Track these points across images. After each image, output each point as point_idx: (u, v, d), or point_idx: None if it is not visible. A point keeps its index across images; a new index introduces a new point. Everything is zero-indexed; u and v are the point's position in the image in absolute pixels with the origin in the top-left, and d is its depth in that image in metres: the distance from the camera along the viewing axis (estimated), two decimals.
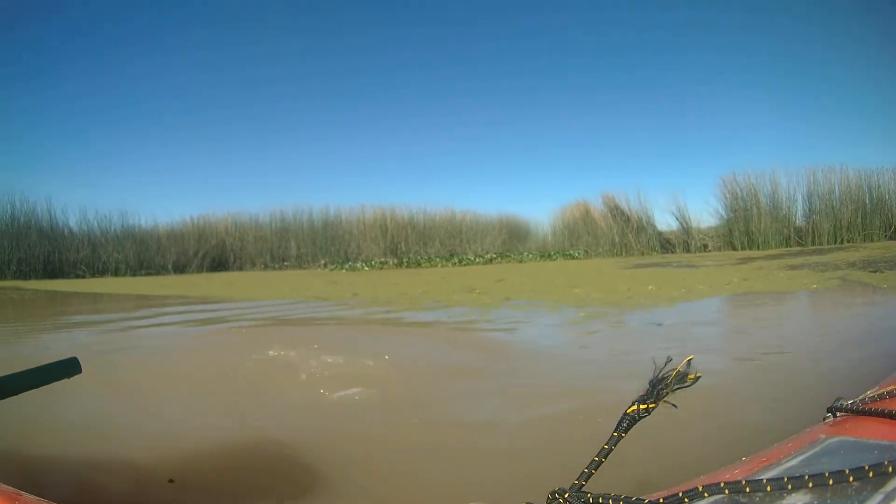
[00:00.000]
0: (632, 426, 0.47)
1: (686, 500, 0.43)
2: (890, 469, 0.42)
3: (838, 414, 0.65)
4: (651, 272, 7.42)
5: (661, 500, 0.43)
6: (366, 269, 10.20)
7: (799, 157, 16.57)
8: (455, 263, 10.47)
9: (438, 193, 22.71)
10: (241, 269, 12.14)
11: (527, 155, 18.42)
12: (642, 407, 0.46)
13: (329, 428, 1.66)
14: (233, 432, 1.61)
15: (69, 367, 0.89)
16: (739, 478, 0.44)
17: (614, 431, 0.46)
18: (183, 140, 18.57)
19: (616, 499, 0.43)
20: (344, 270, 10.22)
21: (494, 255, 11.28)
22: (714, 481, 0.44)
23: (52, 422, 1.43)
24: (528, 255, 11.14)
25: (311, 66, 17.98)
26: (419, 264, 10.53)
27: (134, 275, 11.33)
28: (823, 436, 0.57)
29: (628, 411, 0.47)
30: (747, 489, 0.43)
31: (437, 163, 17.88)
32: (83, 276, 11.11)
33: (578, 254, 11.40)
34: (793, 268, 6.07)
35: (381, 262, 10.87)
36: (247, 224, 12.64)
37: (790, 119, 16.56)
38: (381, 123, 18.40)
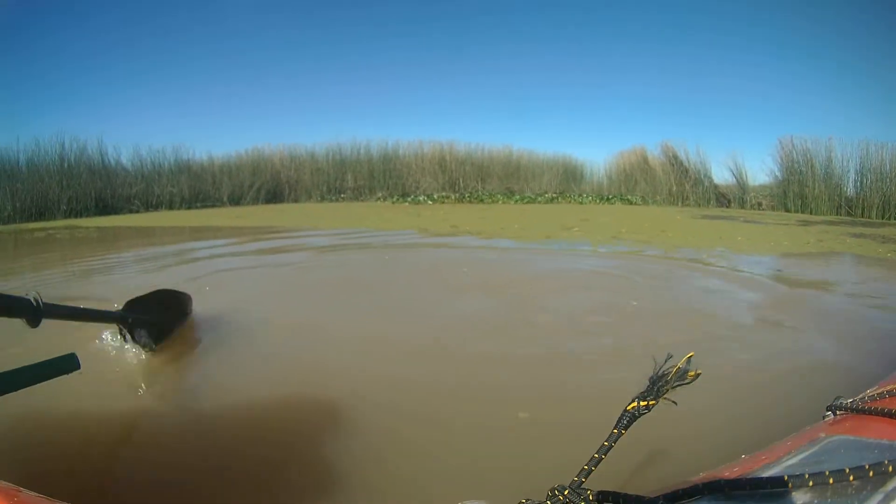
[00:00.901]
0: (632, 423, 0.46)
1: (686, 497, 0.42)
2: (890, 468, 0.41)
3: (838, 412, 0.64)
4: (724, 224, 7.43)
5: (661, 498, 0.42)
6: (429, 202, 10.29)
7: (853, 129, 15.96)
8: (517, 201, 10.51)
9: (495, 133, 22.96)
10: (296, 200, 12.13)
11: (583, 97, 17.99)
12: (642, 404, 0.46)
13: None
14: None
15: (67, 363, 0.88)
16: (739, 476, 0.45)
17: (614, 428, 0.46)
18: (236, 73, 18.45)
19: (616, 495, 0.42)
20: (407, 203, 10.33)
21: (554, 195, 11.27)
22: (714, 479, 0.43)
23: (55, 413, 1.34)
24: (587, 197, 11.13)
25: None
26: (482, 200, 10.56)
27: (189, 207, 11.40)
28: (823, 434, 0.57)
29: (628, 408, 0.46)
30: (747, 487, 0.42)
31: (495, 104, 18.00)
32: (137, 211, 11.13)
33: (636, 200, 11.37)
34: (856, 236, 6.08)
35: (442, 197, 10.93)
36: (302, 156, 12.56)
37: (845, 91, 15.78)
38: (438, 62, 18.27)
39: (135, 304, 1.52)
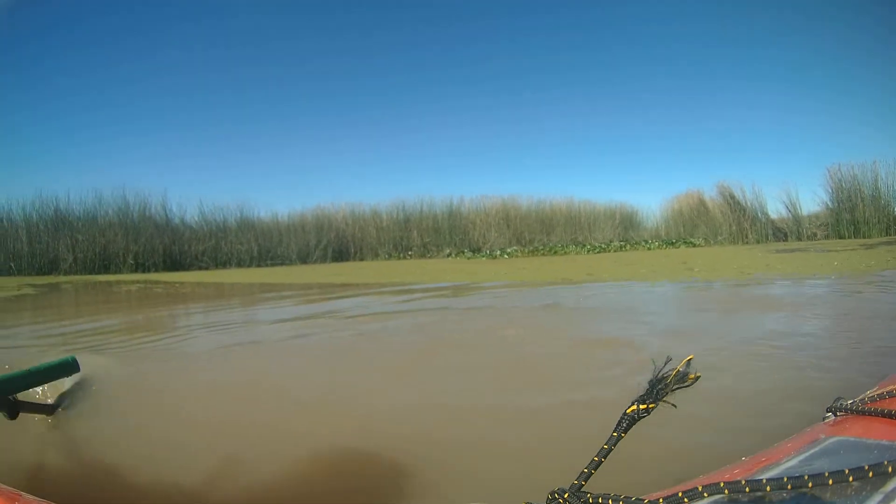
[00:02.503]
0: (631, 426, 0.46)
1: (686, 500, 0.43)
2: (890, 469, 0.42)
3: (838, 414, 0.65)
4: (801, 256, 7.64)
5: (661, 500, 0.43)
6: (505, 256, 10.61)
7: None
8: (589, 251, 10.81)
9: (550, 182, 23.30)
10: (361, 259, 12.38)
11: (633, 144, 18.55)
12: (642, 407, 0.46)
13: None
14: None
15: (68, 367, 0.88)
16: (739, 478, 0.45)
17: (614, 431, 0.46)
18: (297, 133, 19.10)
19: (616, 498, 0.43)
20: (483, 258, 10.68)
21: (621, 243, 11.57)
22: (714, 481, 0.44)
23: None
24: (653, 243, 11.39)
25: (427, 56, 18.31)
26: (555, 252, 10.87)
27: (258, 265, 11.46)
28: (823, 436, 0.57)
29: (628, 411, 0.46)
30: (747, 489, 0.43)
31: (556, 151, 18.37)
32: (206, 268, 11.19)
33: (699, 242, 11.61)
34: None
35: (513, 251, 11.26)
36: (366, 214, 12.96)
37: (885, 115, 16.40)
38: (493, 113, 19.09)
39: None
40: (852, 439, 0.55)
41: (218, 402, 1.80)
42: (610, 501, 0.42)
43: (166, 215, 11.85)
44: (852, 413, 0.62)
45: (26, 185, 15.38)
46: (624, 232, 12.81)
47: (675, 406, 0.45)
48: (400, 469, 1.19)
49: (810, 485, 0.42)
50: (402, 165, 18.93)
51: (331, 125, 18.92)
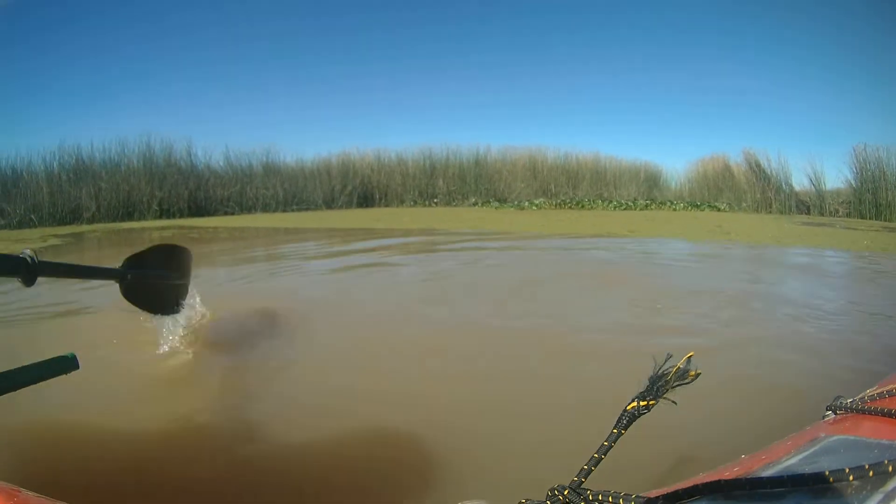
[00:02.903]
0: (631, 423, 0.47)
1: (685, 497, 0.43)
2: (890, 468, 0.42)
3: (838, 412, 0.65)
4: (830, 231, 7.83)
5: (661, 498, 0.43)
6: (533, 208, 10.77)
7: None
8: (615, 207, 10.96)
9: (576, 137, 23.18)
10: (387, 205, 12.38)
11: (661, 104, 18.40)
12: (642, 404, 0.46)
13: None
14: None
15: (66, 363, 0.88)
16: (739, 476, 0.45)
17: (614, 428, 0.46)
18: (322, 75, 18.90)
19: (616, 496, 0.43)
20: (511, 209, 10.83)
21: (645, 202, 11.69)
22: (713, 479, 0.44)
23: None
24: (678, 204, 11.52)
25: (461, 5, 17.97)
26: (582, 206, 11.02)
27: (284, 210, 11.38)
28: (823, 434, 0.57)
29: (628, 408, 0.47)
30: (747, 487, 0.43)
31: (583, 107, 18.25)
32: (232, 213, 11.03)
33: (723, 207, 11.74)
34: None
35: (539, 203, 11.37)
36: (392, 161, 12.87)
37: None
38: (523, 65, 19.05)
39: (133, 261, 1.44)
40: (852, 438, 0.55)
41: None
42: (610, 499, 0.42)
43: (191, 161, 11.64)
44: (853, 412, 0.62)
45: (49, 136, 15.30)
46: (648, 191, 12.90)
47: (676, 403, 0.45)
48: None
49: (811, 483, 0.42)
50: (428, 115, 18.76)
51: (359, 72, 18.62)
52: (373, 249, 4.97)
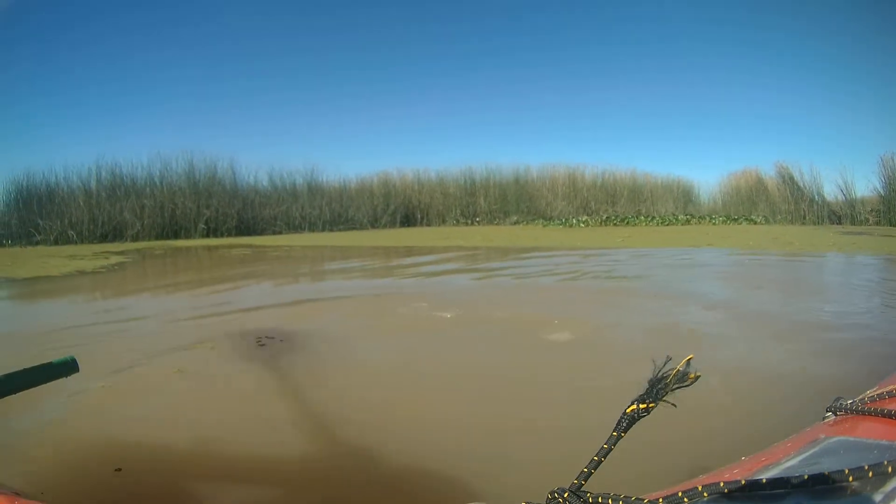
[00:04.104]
0: (631, 426, 0.46)
1: (686, 499, 0.43)
2: (890, 469, 0.42)
3: (838, 413, 0.65)
4: (869, 239, 8.18)
5: (661, 500, 0.43)
6: (581, 225, 11.18)
7: None
8: (658, 223, 11.35)
9: (610, 154, 24.38)
10: (428, 224, 12.70)
11: (691, 120, 19.14)
12: (642, 406, 0.46)
13: None
14: None
15: (67, 367, 0.86)
16: (739, 477, 0.45)
17: (613, 431, 0.46)
18: (366, 97, 19.67)
19: (616, 498, 0.43)
20: (559, 227, 11.26)
21: (685, 217, 12.09)
22: (714, 481, 0.44)
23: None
24: (717, 218, 11.91)
25: (497, 24, 18.70)
26: (626, 223, 11.39)
27: (329, 230, 11.56)
28: (823, 435, 0.57)
29: (627, 411, 0.46)
30: (747, 489, 0.43)
31: (616, 122, 19.00)
32: (280, 232, 11.13)
33: (759, 220, 12.12)
34: None
35: (585, 220, 11.73)
36: (432, 181, 13.25)
37: None
38: (556, 82, 19.73)
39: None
40: (852, 439, 0.55)
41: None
42: (610, 501, 0.42)
43: (235, 179, 11.64)
44: (852, 413, 0.62)
45: (85, 152, 15.41)
46: (683, 206, 13.33)
47: (675, 406, 0.45)
48: None
49: (810, 485, 0.42)
50: (466, 133, 19.54)
51: (399, 90, 19.50)
52: (504, 269, 5.40)
